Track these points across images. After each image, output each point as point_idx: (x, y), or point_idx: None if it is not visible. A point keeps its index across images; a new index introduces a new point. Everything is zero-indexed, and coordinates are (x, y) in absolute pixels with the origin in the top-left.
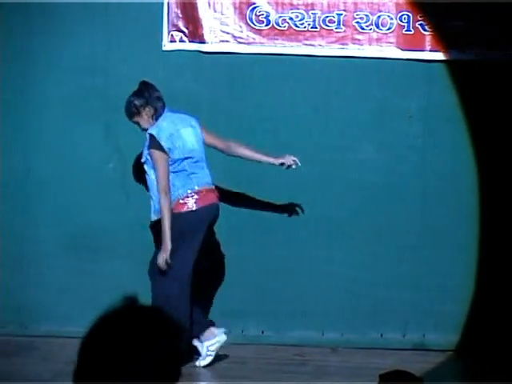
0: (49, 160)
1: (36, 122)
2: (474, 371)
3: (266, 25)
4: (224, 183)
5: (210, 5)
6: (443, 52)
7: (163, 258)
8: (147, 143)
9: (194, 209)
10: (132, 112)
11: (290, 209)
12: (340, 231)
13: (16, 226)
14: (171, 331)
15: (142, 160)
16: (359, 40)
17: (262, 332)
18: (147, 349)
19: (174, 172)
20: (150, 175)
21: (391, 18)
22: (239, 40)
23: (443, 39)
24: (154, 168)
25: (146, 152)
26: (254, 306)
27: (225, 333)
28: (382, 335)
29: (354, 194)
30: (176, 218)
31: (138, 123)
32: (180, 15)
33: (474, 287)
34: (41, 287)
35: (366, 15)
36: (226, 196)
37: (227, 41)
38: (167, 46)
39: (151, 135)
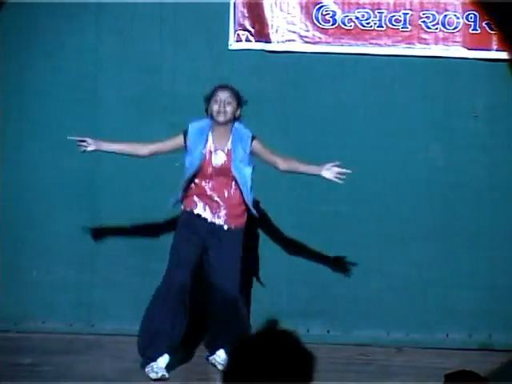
0: (116, 158)
1: (104, 121)
2: None
3: (332, 24)
4: (289, 181)
5: (276, 4)
6: (509, 51)
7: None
8: (248, 140)
9: None
10: (240, 102)
11: (356, 209)
12: (407, 231)
13: (84, 224)
14: (310, 355)
15: (240, 158)
16: (425, 39)
17: (328, 331)
18: (290, 370)
19: None
20: (246, 172)
21: (457, 18)
22: (305, 39)
23: (510, 38)
24: (258, 154)
25: (247, 148)
26: (320, 305)
27: None
28: (447, 335)
29: (422, 193)
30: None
31: (227, 112)
32: (246, 15)
33: None
34: (108, 286)
35: (433, 14)
36: (293, 194)
37: (293, 40)
38: (233, 45)
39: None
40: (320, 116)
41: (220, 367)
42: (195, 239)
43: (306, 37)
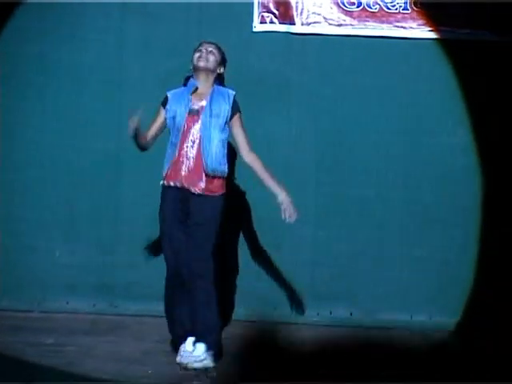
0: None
1: (128, 103)
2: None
3: (357, 6)
4: (311, 166)
5: None
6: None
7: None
8: (231, 102)
9: None
10: (222, 59)
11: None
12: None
13: (106, 206)
14: None
15: (218, 113)
16: None
17: (351, 314)
18: None
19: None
20: (216, 132)
21: None
22: (330, 22)
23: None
24: (232, 130)
25: (227, 108)
26: (343, 288)
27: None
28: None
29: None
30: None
31: (209, 59)
32: None
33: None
34: (132, 267)
35: None
36: (313, 178)
37: (318, 22)
38: (258, 27)
39: (235, 99)
40: (342, 98)
41: (197, 365)
42: (178, 214)
43: (331, 19)
